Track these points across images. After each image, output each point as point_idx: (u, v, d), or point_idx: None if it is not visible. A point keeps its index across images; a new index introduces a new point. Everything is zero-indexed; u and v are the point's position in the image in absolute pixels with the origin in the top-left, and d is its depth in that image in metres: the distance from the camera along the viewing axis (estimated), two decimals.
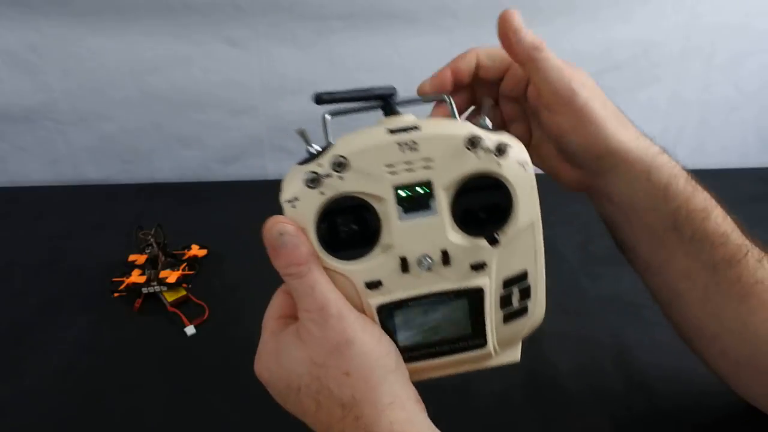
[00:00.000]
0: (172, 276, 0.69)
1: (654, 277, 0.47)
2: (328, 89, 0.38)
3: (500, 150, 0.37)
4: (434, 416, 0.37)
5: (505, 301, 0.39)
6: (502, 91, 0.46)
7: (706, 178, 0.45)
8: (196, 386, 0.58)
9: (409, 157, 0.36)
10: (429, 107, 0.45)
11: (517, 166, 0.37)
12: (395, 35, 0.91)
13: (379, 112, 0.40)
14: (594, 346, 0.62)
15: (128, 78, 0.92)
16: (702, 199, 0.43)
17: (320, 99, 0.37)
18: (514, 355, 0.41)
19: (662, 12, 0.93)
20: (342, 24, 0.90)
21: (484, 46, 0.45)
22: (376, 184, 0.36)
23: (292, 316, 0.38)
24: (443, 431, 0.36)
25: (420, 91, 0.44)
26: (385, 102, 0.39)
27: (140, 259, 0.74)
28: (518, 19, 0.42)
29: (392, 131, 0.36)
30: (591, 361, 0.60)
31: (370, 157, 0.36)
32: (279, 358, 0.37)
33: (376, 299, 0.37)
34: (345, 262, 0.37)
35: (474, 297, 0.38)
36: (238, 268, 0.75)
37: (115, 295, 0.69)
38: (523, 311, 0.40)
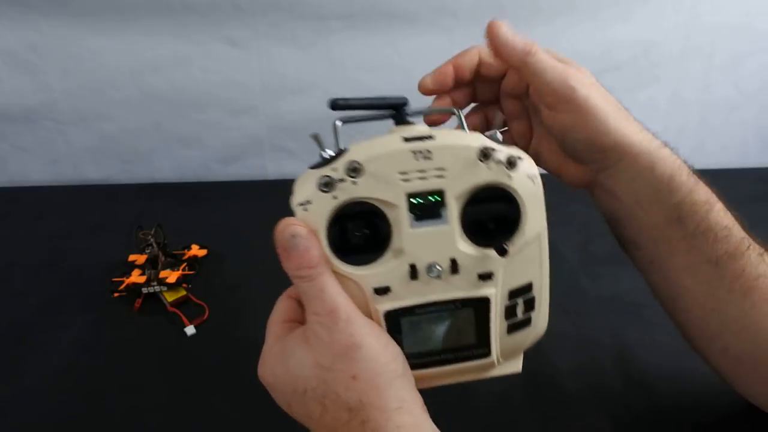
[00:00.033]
0: (172, 276, 0.69)
1: (656, 274, 0.46)
2: (344, 96, 0.38)
3: (511, 163, 0.37)
4: (434, 416, 0.37)
5: (509, 311, 0.39)
6: (504, 88, 0.46)
7: (706, 178, 0.45)
8: (196, 386, 0.58)
9: (423, 166, 0.36)
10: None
11: (527, 179, 0.38)
12: (395, 35, 0.91)
13: (388, 123, 0.40)
14: (594, 345, 0.62)
15: (128, 78, 0.92)
16: (704, 192, 0.43)
17: (335, 105, 0.38)
18: (516, 366, 0.42)
19: (662, 12, 0.93)
20: (342, 24, 0.90)
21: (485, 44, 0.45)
22: (390, 191, 0.36)
23: (296, 321, 0.38)
24: (443, 431, 0.36)
25: (421, 86, 0.44)
26: (397, 111, 0.40)
27: (140, 259, 0.74)
28: (504, 30, 0.42)
29: (407, 139, 0.36)
30: (591, 360, 0.60)
31: (384, 164, 0.36)
32: (285, 362, 0.37)
33: (384, 305, 0.37)
34: (354, 267, 0.37)
35: (480, 306, 0.38)
36: (238, 268, 0.75)
37: (115, 295, 0.69)
38: (526, 322, 0.40)
